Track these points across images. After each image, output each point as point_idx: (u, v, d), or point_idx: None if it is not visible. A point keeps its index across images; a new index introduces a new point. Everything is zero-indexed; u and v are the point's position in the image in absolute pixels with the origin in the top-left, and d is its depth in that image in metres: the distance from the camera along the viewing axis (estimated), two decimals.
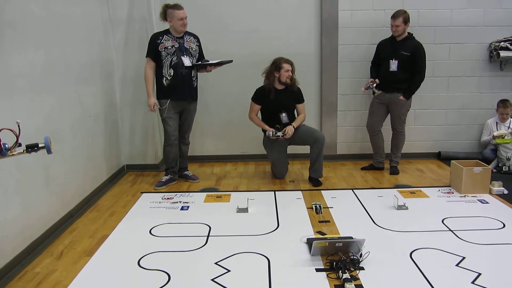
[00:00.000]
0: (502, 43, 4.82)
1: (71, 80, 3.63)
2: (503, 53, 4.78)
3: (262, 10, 4.88)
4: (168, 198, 3.94)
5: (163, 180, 4.30)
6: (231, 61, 4.22)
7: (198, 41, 4.23)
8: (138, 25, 4.57)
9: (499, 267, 2.63)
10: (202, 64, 4.16)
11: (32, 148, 2.10)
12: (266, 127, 4.24)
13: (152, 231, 3.23)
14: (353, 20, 4.86)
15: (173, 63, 4.03)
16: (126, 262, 2.76)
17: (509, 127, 4.78)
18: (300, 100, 4.32)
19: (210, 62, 4.18)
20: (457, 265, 2.64)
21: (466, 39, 4.92)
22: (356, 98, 5.05)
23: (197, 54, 4.19)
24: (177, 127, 4.23)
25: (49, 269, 2.72)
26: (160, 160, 4.92)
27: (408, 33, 4.32)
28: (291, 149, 4.49)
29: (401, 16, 4.20)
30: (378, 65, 4.51)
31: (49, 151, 2.12)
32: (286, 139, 4.23)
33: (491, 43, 4.90)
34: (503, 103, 4.79)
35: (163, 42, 4.01)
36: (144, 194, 4.09)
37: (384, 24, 4.55)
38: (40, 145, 2.12)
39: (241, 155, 5.23)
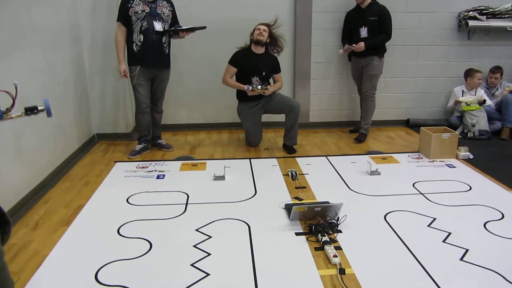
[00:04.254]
0: (471, 12, 4.93)
1: (38, 45, 3.46)
2: (471, 23, 4.90)
3: None
4: (143, 167, 3.90)
5: (136, 149, 4.23)
6: (204, 27, 4.11)
7: (172, 6, 4.09)
8: None
9: (467, 226, 2.77)
10: (174, 30, 4.04)
11: (31, 110, 2.00)
12: (242, 86, 4.19)
13: (129, 200, 3.21)
14: None
15: (143, 28, 3.89)
16: (105, 231, 2.74)
17: (475, 95, 4.95)
18: (277, 69, 4.34)
19: (183, 27, 4.06)
20: (428, 225, 2.77)
21: (436, 8, 4.99)
22: (329, 66, 5.08)
23: (170, 20, 4.05)
24: (148, 94, 4.14)
25: (25, 239, 2.67)
26: (132, 128, 4.83)
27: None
28: (265, 117, 4.50)
29: None
30: (348, 36, 4.59)
31: (49, 114, 2.02)
32: (261, 107, 4.24)
33: (460, 13, 5.00)
34: (476, 70, 4.94)
35: (133, 7, 3.87)
36: (117, 163, 4.02)
37: None
38: (39, 108, 2.02)
39: (214, 123, 5.21)
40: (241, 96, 4.30)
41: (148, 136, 4.30)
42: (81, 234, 2.73)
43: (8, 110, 1.92)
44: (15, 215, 2.98)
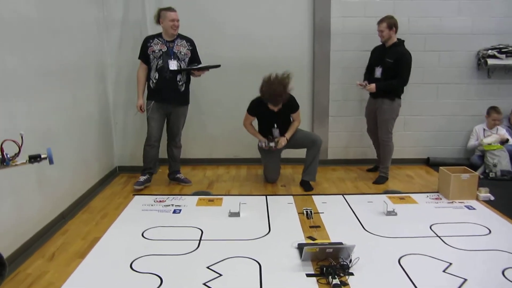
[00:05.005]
0: (490, 51, 4.92)
1: (65, 82, 3.65)
2: (490, 61, 4.89)
3: (258, 15, 4.92)
4: (160, 201, 3.96)
5: (141, 180, 4.32)
6: (218, 66, 4.23)
7: (192, 45, 4.24)
8: (132, 28, 4.60)
9: (485, 273, 2.69)
10: (186, 69, 4.15)
11: (35, 159, 2.14)
12: (259, 137, 4.30)
13: (144, 234, 3.25)
14: (345, 26, 4.92)
15: (158, 66, 4.07)
16: (118, 264, 2.79)
17: (496, 133, 4.88)
18: (294, 109, 4.30)
19: (195, 66, 4.17)
20: (444, 271, 2.70)
21: (455, 47, 5.01)
22: (347, 104, 5.11)
23: (187, 58, 4.17)
24: (159, 129, 4.25)
25: (41, 270, 2.73)
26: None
27: (398, 39, 4.30)
28: (284, 153, 4.54)
29: (385, 21, 4.20)
30: (370, 72, 4.54)
31: (51, 162, 2.15)
32: (278, 152, 4.32)
33: (479, 51, 5.00)
34: (495, 109, 4.89)
35: (151, 46, 4.07)
36: (136, 196, 4.11)
37: (375, 31, 4.62)
38: (42, 156, 2.15)
39: (233, 158, 5.27)
40: (262, 132, 4.37)
41: (152, 169, 4.40)
42: (95, 267, 2.78)
43: (14, 157, 2.04)
44: (33, 245, 3.06)
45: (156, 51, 4.06)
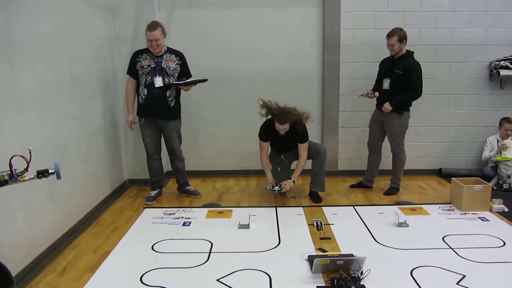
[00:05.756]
0: (502, 62, 4.88)
1: (77, 96, 3.70)
2: (503, 72, 4.84)
3: (267, 27, 4.96)
4: (170, 214, 3.97)
5: (152, 195, 4.35)
6: (205, 80, 4.22)
7: (181, 59, 4.19)
8: (143, 41, 4.61)
9: (499, 285, 2.64)
10: (172, 84, 4.12)
11: (42, 174, 2.17)
12: (268, 177, 4.26)
13: (154, 247, 3.26)
14: (355, 38, 4.94)
15: (147, 82, 4.07)
16: (128, 278, 2.79)
17: None
18: (303, 139, 4.18)
19: (183, 81, 4.14)
20: (457, 283, 2.65)
21: (466, 58, 4.98)
22: (357, 115, 5.10)
23: (176, 73, 4.14)
24: (154, 143, 4.27)
25: (52, 285, 2.74)
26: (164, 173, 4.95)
27: (408, 50, 4.24)
28: (294, 165, 4.52)
29: (395, 34, 4.11)
30: (379, 84, 4.48)
31: (58, 177, 2.18)
32: (291, 154, 4.28)
33: (491, 62, 4.97)
34: (507, 120, 4.84)
35: (140, 61, 4.06)
36: (146, 209, 4.12)
37: (385, 42, 4.62)
38: (50, 171, 2.18)
39: (243, 170, 5.27)
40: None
41: (160, 181, 4.44)
42: (105, 281, 2.79)
43: (23, 172, 2.08)
44: (45, 259, 3.08)
45: (145, 66, 4.05)
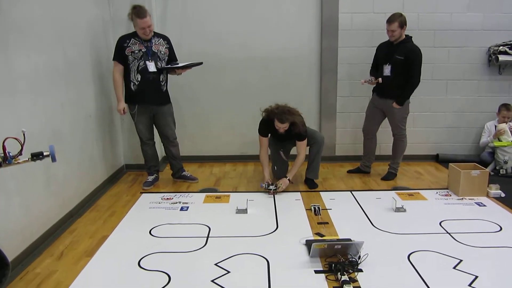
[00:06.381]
0: (501, 47, 4.85)
1: (72, 81, 3.65)
2: (501, 57, 4.82)
3: (263, 13, 4.91)
4: (167, 199, 3.96)
5: (149, 180, 4.33)
6: (201, 63, 4.15)
7: (168, 42, 4.13)
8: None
9: (496, 270, 2.65)
10: (170, 68, 4.07)
11: (37, 156, 2.13)
12: (265, 174, 4.20)
13: (152, 232, 3.25)
14: (353, 22, 4.89)
15: (140, 68, 3.96)
16: (126, 262, 2.78)
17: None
18: (301, 137, 4.10)
19: (179, 65, 4.08)
20: (454, 267, 2.67)
21: (465, 43, 4.95)
22: (355, 100, 5.07)
23: (167, 57, 4.09)
24: (148, 129, 4.21)
25: (49, 269, 2.74)
26: (160, 159, 4.93)
27: (406, 35, 4.18)
28: (293, 150, 4.51)
29: (396, 20, 4.05)
30: (376, 69, 4.44)
31: (54, 159, 2.15)
32: (288, 142, 4.26)
33: (490, 47, 4.94)
34: (505, 106, 4.83)
35: (130, 46, 3.93)
36: (143, 194, 4.11)
37: (384, 27, 4.57)
38: (45, 153, 2.15)
39: (240, 155, 5.25)
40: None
41: (157, 166, 4.41)
42: (103, 265, 2.78)
43: (17, 155, 2.04)
44: (41, 244, 3.07)
45: (136, 51, 3.92)
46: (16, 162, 2.04)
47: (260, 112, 4.08)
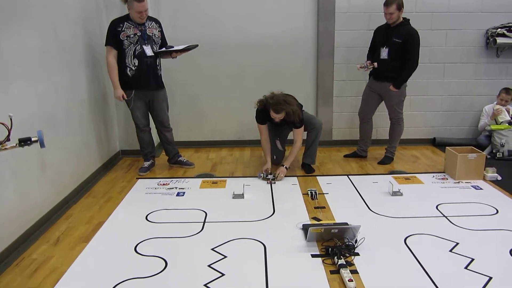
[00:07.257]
0: (499, 29, 4.81)
1: (65, 65, 3.59)
2: (499, 40, 4.78)
3: None
4: (164, 184, 3.94)
5: (145, 165, 4.31)
6: (196, 46, 4.08)
7: (160, 26, 4.07)
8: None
9: (492, 252, 2.66)
10: (167, 51, 4.01)
11: (25, 142, 2.08)
12: (267, 159, 4.15)
13: (148, 217, 3.24)
14: (350, 5, 4.82)
15: (137, 52, 3.88)
16: (123, 248, 2.78)
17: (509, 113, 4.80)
18: (297, 124, 4.04)
19: (176, 48, 4.02)
20: (450, 250, 2.68)
21: (463, 26, 4.90)
22: (352, 84, 5.03)
23: (160, 41, 4.04)
24: (144, 115, 4.16)
25: (45, 255, 2.73)
26: (156, 145, 4.90)
27: (404, 18, 4.12)
28: (290, 135, 4.49)
29: (394, 3, 3.98)
30: (373, 52, 4.38)
31: (42, 145, 2.09)
32: (283, 148, 4.27)
33: (488, 30, 4.89)
34: (506, 90, 4.81)
35: (124, 30, 3.84)
36: (139, 180, 4.09)
37: (381, 10, 4.51)
38: (33, 139, 2.09)
39: (237, 140, 5.23)
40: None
41: (153, 151, 4.37)
42: (99, 251, 2.78)
43: (4, 141, 1.99)
44: (37, 230, 3.06)
45: (131, 35, 3.84)
46: (3, 148, 1.99)
47: (254, 101, 4.02)
